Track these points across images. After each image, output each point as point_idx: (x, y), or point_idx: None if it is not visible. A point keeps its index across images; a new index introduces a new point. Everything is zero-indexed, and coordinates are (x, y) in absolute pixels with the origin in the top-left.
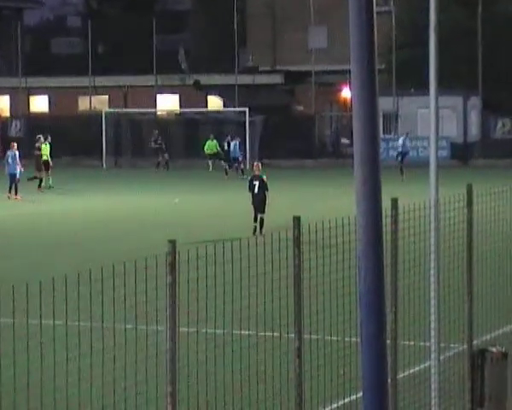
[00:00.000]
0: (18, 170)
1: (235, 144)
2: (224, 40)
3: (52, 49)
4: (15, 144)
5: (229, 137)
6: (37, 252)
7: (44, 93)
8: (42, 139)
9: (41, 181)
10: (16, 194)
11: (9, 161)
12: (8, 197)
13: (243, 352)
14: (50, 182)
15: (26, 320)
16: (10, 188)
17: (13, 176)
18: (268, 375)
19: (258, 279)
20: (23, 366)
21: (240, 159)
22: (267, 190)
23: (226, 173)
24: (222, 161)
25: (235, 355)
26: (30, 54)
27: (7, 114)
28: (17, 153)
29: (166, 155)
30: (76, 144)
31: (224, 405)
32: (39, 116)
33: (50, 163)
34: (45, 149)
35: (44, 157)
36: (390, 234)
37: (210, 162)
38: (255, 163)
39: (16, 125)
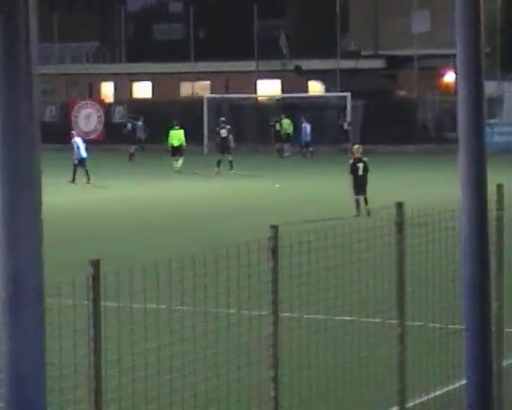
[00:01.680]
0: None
1: (305, 128)
2: (325, 25)
3: (154, 35)
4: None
5: (302, 120)
6: (146, 233)
7: (147, 79)
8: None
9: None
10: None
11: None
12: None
13: (345, 338)
14: (179, 165)
15: (129, 304)
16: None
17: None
18: (369, 361)
19: (360, 264)
20: (127, 350)
21: (309, 143)
22: (368, 171)
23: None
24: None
25: (337, 341)
26: (133, 40)
27: (110, 100)
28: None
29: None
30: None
31: (325, 390)
32: (142, 102)
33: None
34: (179, 135)
35: (176, 143)
36: (495, 221)
37: (282, 146)
38: (355, 146)
39: (119, 111)
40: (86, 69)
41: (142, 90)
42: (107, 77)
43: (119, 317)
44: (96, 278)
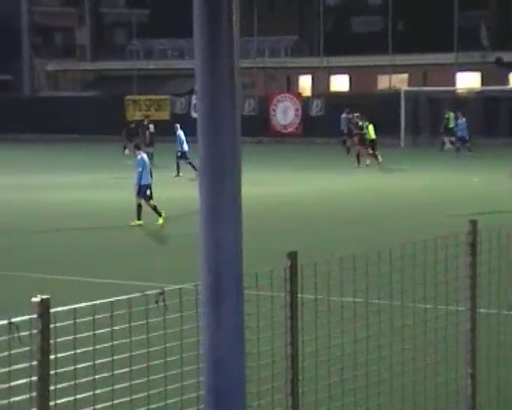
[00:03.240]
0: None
1: (462, 123)
2: None
3: (352, 28)
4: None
5: (458, 115)
6: (343, 226)
7: (344, 72)
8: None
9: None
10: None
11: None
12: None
13: None
14: (368, 162)
15: (326, 297)
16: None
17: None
18: None
19: None
20: (323, 342)
21: (466, 138)
22: None
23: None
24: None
25: None
26: (331, 33)
27: (308, 93)
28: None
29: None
30: (374, 123)
31: None
32: (339, 95)
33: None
34: (370, 129)
35: (369, 137)
36: None
37: (446, 139)
38: None
39: (317, 105)
40: (284, 63)
41: (340, 83)
42: (304, 70)
43: (316, 309)
44: (293, 269)
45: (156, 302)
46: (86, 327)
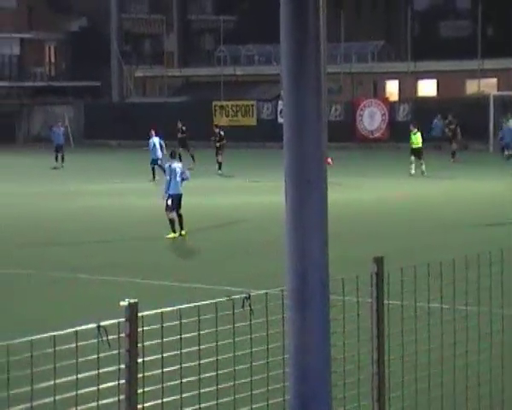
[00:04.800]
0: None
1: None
2: None
3: (440, 32)
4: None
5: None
6: (428, 232)
7: (432, 77)
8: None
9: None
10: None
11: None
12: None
13: None
14: (423, 168)
15: (413, 302)
16: None
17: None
18: None
19: None
20: (410, 348)
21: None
22: None
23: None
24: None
25: None
26: (418, 38)
27: (395, 98)
28: (157, 140)
29: (455, 145)
30: (463, 128)
31: None
32: (426, 100)
33: (422, 151)
34: (416, 138)
35: (415, 145)
36: None
37: None
38: None
39: (404, 109)
40: (371, 68)
41: (427, 87)
42: (391, 75)
43: (402, 315)
44: (379, 275)
45: (242, 307)
46: (173, 331)
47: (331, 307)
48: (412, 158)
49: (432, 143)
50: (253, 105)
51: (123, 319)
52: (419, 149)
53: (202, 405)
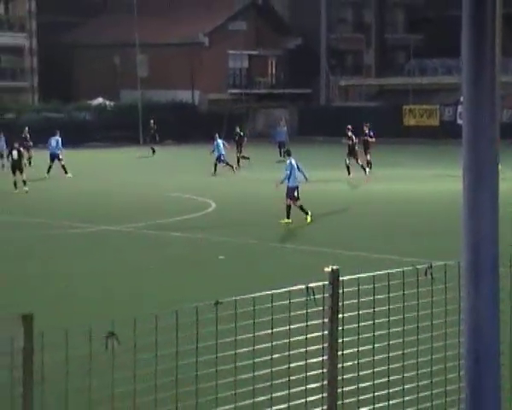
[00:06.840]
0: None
1: None
2: None
3: None
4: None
5: None
6: None
7: None
8: None
9: None
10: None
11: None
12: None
13: None
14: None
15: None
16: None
17: None
18: None
19: None
20: None
21: None
22: None
23: None
24: None
25: None
26: None
27: None
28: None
29: None
30: None
31: None
32: None
33: None
34: None
35: None
36: None
37: None
38: None
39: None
40: None
41: None
42: None
43: None
44: None
45: (425, 274)
46: (367, 294)
47: (502, 279)
48: None
49: None
50: (436, 109)
51: (327, 283)
52: None
53: (405, 351)
